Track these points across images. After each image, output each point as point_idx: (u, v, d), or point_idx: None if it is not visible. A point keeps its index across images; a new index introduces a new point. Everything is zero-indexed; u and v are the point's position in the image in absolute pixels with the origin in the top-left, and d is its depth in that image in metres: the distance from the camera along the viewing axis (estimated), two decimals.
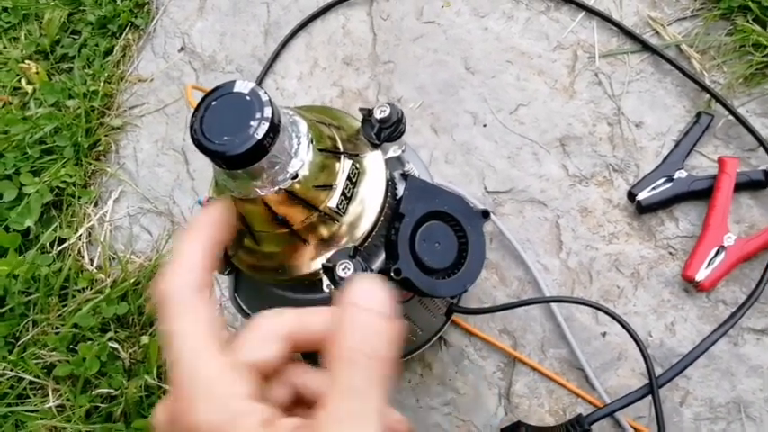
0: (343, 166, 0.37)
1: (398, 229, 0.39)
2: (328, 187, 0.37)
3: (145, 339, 0.59)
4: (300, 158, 0.35)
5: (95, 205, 0.69)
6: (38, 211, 0.67)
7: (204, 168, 0.68)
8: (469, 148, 0.63)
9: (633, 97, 0.62)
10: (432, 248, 0.40)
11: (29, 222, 0.66)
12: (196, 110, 0.33)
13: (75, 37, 0.79)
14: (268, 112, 0.32)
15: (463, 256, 0.41)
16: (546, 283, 0.56)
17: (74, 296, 0.64)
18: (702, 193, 0.56)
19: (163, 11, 0.78)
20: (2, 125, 0.74)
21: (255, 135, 0.31)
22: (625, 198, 0.58)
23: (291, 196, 0.35)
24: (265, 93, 0.32)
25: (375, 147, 0.39)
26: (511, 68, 0.65)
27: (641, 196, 0.56)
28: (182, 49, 0.75)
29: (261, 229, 0.37)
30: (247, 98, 0.32)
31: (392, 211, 0.40)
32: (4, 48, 0.81)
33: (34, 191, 0.68)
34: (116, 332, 0.61)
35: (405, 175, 0.42)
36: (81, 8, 0.80)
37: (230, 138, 0.32)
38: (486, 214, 0.42)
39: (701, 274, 0.53)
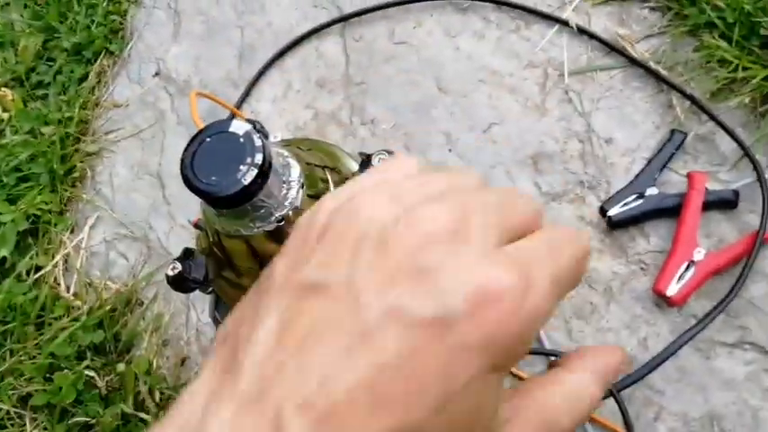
0: None
1: None
2: None
3: (121, 367, 0.59)
4: (289, 203, 0.35)
5: (72, 232, 0.69)
6: (13, 240, 0.67)
7: (180, 193, 0.68)
8: (443, 168, 0.63)
9: (603, 114, 0.62)
10: None
11: (4, 252, 0.66)
12: (189, 145, 0.33)
13: (51, 63, 0.79)
14: (259, 158, 0.32)
15: None
16: None
17: (50, 324, 0.64)
18: (673, 210, 0.56)
19: (137, 36, 0.78)
20: None
21: (243, 180, 0.32)
22: (596, 214, 0.59)
23: (275, 237, 0.35)
24: (260, 137, 0.33)
25: None
26: (483, 87, 0.66)
27: (612, 212, 0.57)
28: (156, 74, 0.75)
29: (242, 264, 0.37)
30: (241, 140, 0.33)
31: None
32: None
33: (9, 219, 0.68)
34: (92, 360, 0.60)
35: None
36: (56, 35, 0.80)
37: (218, 179, 0.32)
38: None
39: (672, 289, 0.53)
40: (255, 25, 0.74)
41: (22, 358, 0.62)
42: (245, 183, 0.32)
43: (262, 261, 0.37)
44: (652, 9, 0.66)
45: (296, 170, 0.36)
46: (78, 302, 0.65)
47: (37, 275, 0.67)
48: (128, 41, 0.78)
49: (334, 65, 0.70)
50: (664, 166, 0.58)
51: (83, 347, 0.61)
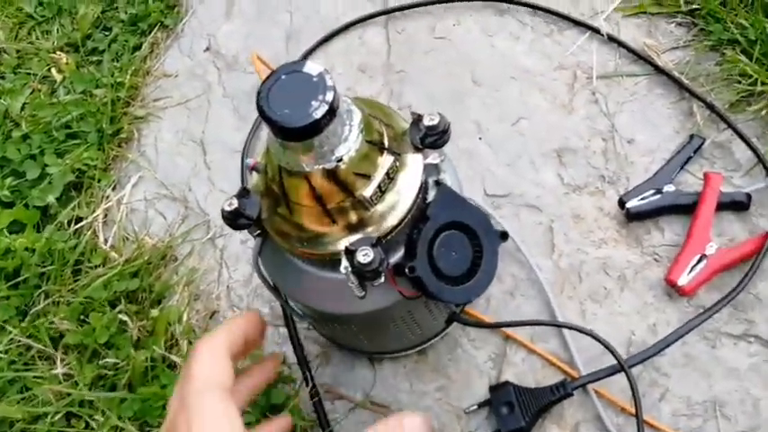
0: (384, 161, 0.41)
1: (421, 230, 0.42)
2: (367, 177, 0.40)
3: (154, 312, 0.62)
4: (348, 144, 0.39)
5: (114, 189, 0.73)
6: (60, 188, 0.70)
7: (221, 160, 0.72)
8: (472, 154, 0.67)
9: (626, 116, 0.66)
10: (447, 255, 0.43)
11: (51, 198, 0.70)
12: (266, 80, 0.37)
13: (106, 32, 0.83)
14: (330, 96, 0.36)
15: (475, 269, 0.44)
16: (544, 283, 0.59)
17: (87, 272, 0.67)
18: (688, 208, 0.60)
19: (192, 13, 0.83)
20: (30, 109, 0.78)
21: (314, 114, 0.35)
22: (615, 207, 0.62)
23: (332, 177, 0.39)
24: (331, 78, 0.36)
25: (417, 150, 0.43)
26: (514, 84, 0.70)
27: (630, 204, 0.60)
28: (207, 49, 0.80)
29: (297, 201, 0.41)
30: (314, 79, 0.36)
31: (419, 213, 0.43)
32: (37, 39, 0.86)
33: (57, 171, 0.72)
34: (126, 306, 0.63)
35: (438, 183, 0.45)
36: (114, 6, 0.84)
37: (291, 111, 0.36)
38: (504, 236, 0.45)
39: (683, 280, 0.56)
40: (304, 11, 0.79)
41: (58, 299, 0.65)
42: (316, 117, 0.36)
43: (316, 198, 0.40)
44: (679, 24, 0.70)
45: (357, 116, 0.40)
46: (115, 254, 0.68)
47: (77, 226, 0.70)
48: (182, 17, 0.82)
49: (377, 53, 0.74)
50: (681, 167, 0.62)
51: (117, 294, 0.64)
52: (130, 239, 0.69)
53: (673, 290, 0.58)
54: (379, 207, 0.41)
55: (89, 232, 0.69)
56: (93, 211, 0.71)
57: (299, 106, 0.36)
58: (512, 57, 0.71)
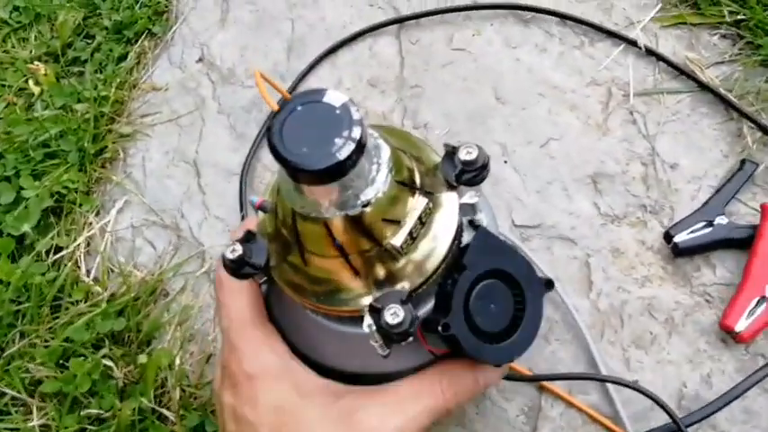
0: (417, 204, 0.34)
1: (456, 280, 0.35)
2: (396, 222, 0.34)
3: (142, 359, 0.55)
4: (376, 187, 0.32)
5: (97, 214, 0.66)
6: (37, 215, 0.63)
7: (216, 183, 0.65)
8: (497, 180, 0.60)
9: (668, 138, 0.60)
10: (485, 309, 0.36)
11: (26, 227, 0.62)
12: (278, 111, 0.30)
13: (89, 41, 0.76)
14: (357, 132, 0.29)
15: (516, 323, 0.37)
16: (582, 326, 0.53)
17: (67, 308, 0.60)
18: (743, 242, 0.54)
19: (183, 20, 0.75)
20: (4, 125, 0.70)
21: (338, 155, 0.29)
22: (659, 241, 0.56)
23: (356, 224, 0.32)
24: (357, 110, 0.30)
25: (451, 188, 0.36)
26: (542, 101, 0.64)
27: (679, 238, 0.54)
28: (200, 59, 0.72)
29: (313, 249, 0.34)
30: (337, 111, 0.30)
31: (453, 260, 0.36)
32: (12, 48, 0.78)
33: (34, 195, 0.64)
34: (111, 349, 0.56)
35: (473, 224, 0.39)
36: (97, 12, 0.77)
37: (310, 151, 0.29)
38: (550, 284, 0.39)
39: (741, 325, 0.50)
40: (307, 19, 0.72)
41: (35, 341, 0.58)
42: (340, 157, 0.29)
43: (337, 248, 0.34)
44: (723, 36, 0.64)
45: (386, 152, 0.33)
46: (99, 288, 0.61)
47: (56, 256, 0.63)
48: (172, 24, 0.75)
49: (389, 66, 0.68)
50: (733, 196, 0.56)
51: (101, 335, 0.57)
52: (116, 272, 0.62)
53: (728, 336, 0.51)
54: (410, 256, 0.35)
55: (69, 264, 0.62)
56: (74, 240, 0.64)
57: (319, 144, 0.29)
58: (539, 71, 0.65)
